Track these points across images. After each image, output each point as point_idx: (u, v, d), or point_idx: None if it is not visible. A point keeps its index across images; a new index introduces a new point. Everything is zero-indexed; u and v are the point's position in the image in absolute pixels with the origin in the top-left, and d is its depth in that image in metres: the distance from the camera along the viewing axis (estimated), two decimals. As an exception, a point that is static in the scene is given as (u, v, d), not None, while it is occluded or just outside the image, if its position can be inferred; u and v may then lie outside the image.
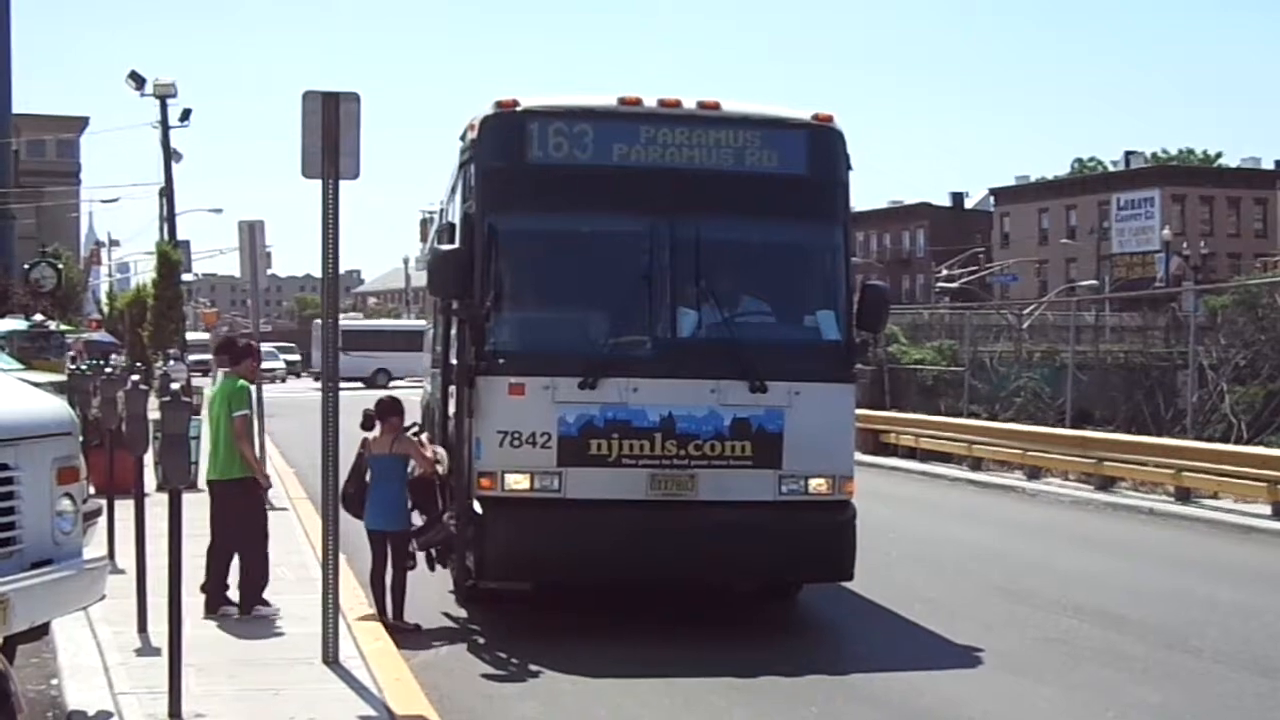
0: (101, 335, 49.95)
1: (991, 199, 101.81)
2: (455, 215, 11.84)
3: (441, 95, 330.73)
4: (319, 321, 27.40)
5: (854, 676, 9.82)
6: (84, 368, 21.08)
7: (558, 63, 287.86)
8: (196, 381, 33.29)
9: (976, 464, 25.15)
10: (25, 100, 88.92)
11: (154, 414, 9.55)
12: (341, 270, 9.56)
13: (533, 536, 10.51)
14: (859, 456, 13.15)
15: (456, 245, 11.02)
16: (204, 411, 11.49)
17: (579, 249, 11.33)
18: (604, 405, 10.54)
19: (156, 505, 8.66)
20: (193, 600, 8.33)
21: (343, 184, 9.13)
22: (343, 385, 9.59)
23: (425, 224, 49.20)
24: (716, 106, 11.13)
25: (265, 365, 42.03)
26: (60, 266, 46.80)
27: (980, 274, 79.60)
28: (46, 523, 7.53)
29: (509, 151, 10.94)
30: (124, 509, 10.55)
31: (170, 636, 7.48)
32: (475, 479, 10.64)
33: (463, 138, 11.51)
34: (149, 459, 10.86)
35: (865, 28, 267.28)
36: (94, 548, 8.63)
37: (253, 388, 11.42)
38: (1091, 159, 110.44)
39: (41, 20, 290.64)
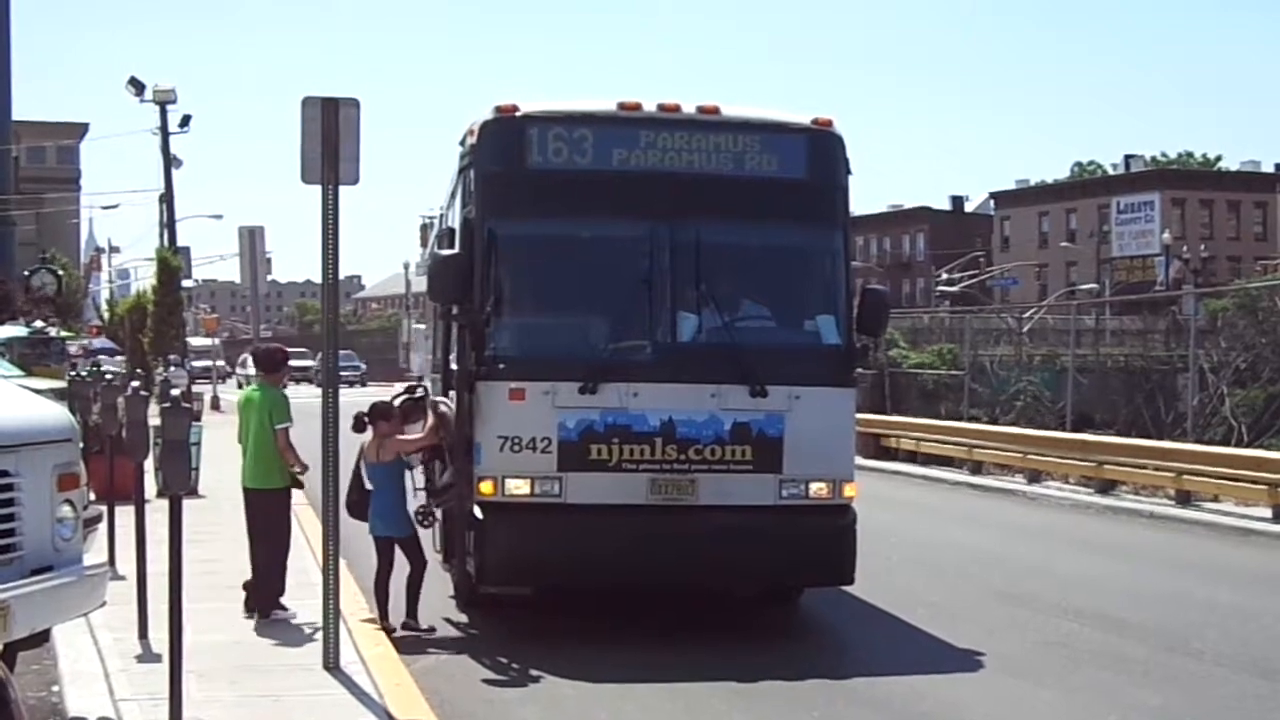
0: (102, 342, 50.02)
1: (991, 202, 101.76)
2: (455, 220, 11.85)
3: (441, 96, 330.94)
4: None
5: (855, 680, 9.82)
6: (84, 374, 21.07)
7: (558, 63, 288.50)
8: (197, 388, 33.29)
9: (977, 468, 25.15)
10: (25, 106, 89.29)
11: (154, 420, 9.55)
12: (342, 275, 9.57)
13: (533, 541, 10.51)
14: (859, 461, 13.15)
15: (456, 250, 11.04)
16: (237, 417, 11.54)
17: (579, 254, 11.33)
18: (604, 410, 10.53)
19: (157, 511, 8.65)
20: (193, 606, 8.30)
21: (342, 189, 9.13)
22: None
23: (425, 229, 49.13)
24: (716, 111, 11.12)
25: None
26: (60, 273, 46.86)
27: (980, 278, 79.66)
28: (47, 529, 7.51)
29: (508, 157, 10.93)
30: (124, 515, 10.56)
31: (171, 643, 7.46)
32: (476, 484, 10.64)
33: (462, 143, 11.51)
34: (149, 465, 10.85)
35: (865, 28, 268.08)
36: (94, 554, 8.64)
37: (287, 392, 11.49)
38: (1091, 162, 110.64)
39: (40, 24, 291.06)
